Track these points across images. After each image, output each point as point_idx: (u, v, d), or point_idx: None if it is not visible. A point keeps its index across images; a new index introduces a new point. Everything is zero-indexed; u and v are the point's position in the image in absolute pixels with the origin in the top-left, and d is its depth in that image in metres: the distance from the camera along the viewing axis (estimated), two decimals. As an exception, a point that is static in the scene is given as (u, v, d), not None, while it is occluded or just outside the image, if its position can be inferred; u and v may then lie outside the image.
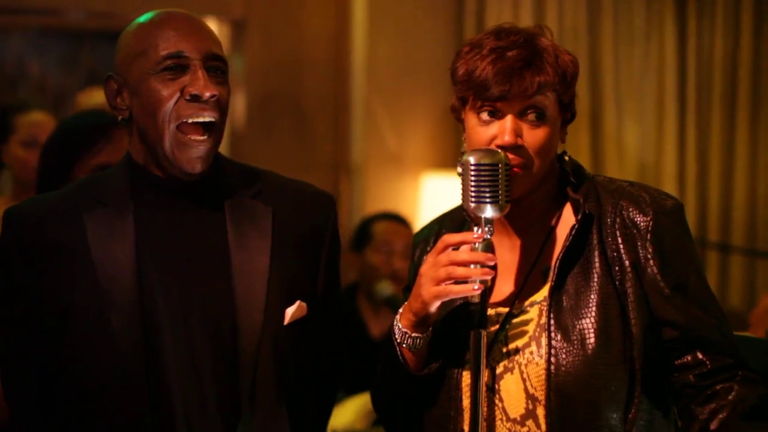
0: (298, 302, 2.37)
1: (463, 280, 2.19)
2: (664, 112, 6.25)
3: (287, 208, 2.42)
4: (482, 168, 2.20)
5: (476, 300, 2.20)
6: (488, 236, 2.21)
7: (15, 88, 6.32)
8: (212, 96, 2.30)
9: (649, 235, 2.27)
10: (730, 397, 2.22)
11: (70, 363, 2.32)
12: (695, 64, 6.27)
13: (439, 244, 2.23)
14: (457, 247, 2.23)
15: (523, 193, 2.27)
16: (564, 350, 2.22)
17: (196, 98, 2.30)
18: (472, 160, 2.21)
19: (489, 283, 2.21)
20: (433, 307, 2.23)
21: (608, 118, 6.12)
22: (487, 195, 2.20)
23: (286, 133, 5.90)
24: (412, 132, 6.03)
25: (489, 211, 2.20)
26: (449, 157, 6.03)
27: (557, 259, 2.27)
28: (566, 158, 2.37)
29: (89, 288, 2.30)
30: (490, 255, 2.20)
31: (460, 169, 2.28)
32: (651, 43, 6.24)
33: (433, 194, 5.85)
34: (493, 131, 2.25)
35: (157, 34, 2.32)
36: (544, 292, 2.28)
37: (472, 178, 2.20)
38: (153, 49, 2.31)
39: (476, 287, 2.18)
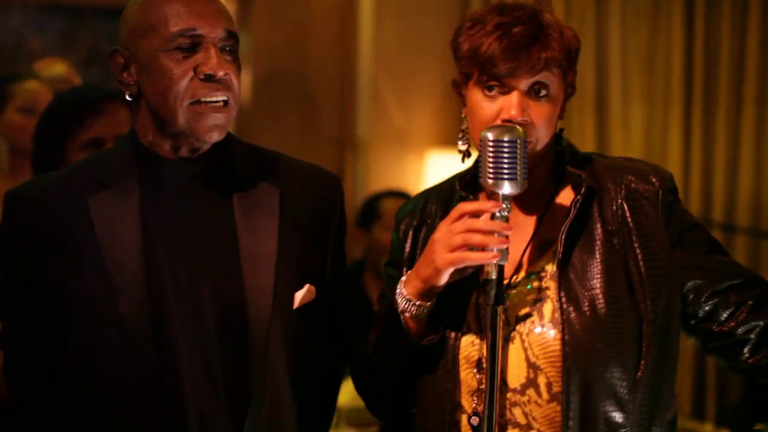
0: (307, 286, 2.36)
1: (478, 249, 2.19)
2: (671, 94, 6.23)
3: (295, 191, 2.39)
4: (501, 144, 2.19)
5: (493, 276, 2.18)
6: (506, 213, 2.20)
7: (14, 63, 6.30)
8: (226, 74, 2.27)
9: (659, 202, 2.32)
10: None
11: (77, 349, 2.29)
12: (702, 45, 6.25)
13: (454, 212, 2.23)
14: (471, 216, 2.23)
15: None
16: (577, 321, 2.24)
17: (210, 78, 2.25)
18: (490, 136, 2.20)
19: (506, 259, 2.20)
20: (446, 274, 2.22)
21: (614, 100, 6.12)
22: (506, 171, 2.19)
23: (291, 109, 5.89)
24: (418, 109, 6.02)
25: (507, 188, 2.20)
26: (454, 135, 5.93)
27: (563, 232, 2.29)
28: (564, 136, 2.40)
29: (96, 273, 2.26)
30: (506, 224, 2.19)
31: (462, 146, 2.35)
32: (659, 23, 6.22)
33: (438, 171, 5.84)
34: (498, 106, 2.27)
35: (167, 8, 2.26)
36: (542, 263, 2.31)
37: (490, 155, 2.19)
38: (163, 24, 2.25)
39: (494, 254, 2.17)
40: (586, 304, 2.24)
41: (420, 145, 5.98)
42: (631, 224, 2.30)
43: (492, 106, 2.28)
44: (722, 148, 6.28)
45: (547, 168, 2.37)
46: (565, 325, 2.24)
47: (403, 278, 2.30)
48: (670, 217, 2.33)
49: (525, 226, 2.36)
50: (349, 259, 5.31)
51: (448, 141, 5.99)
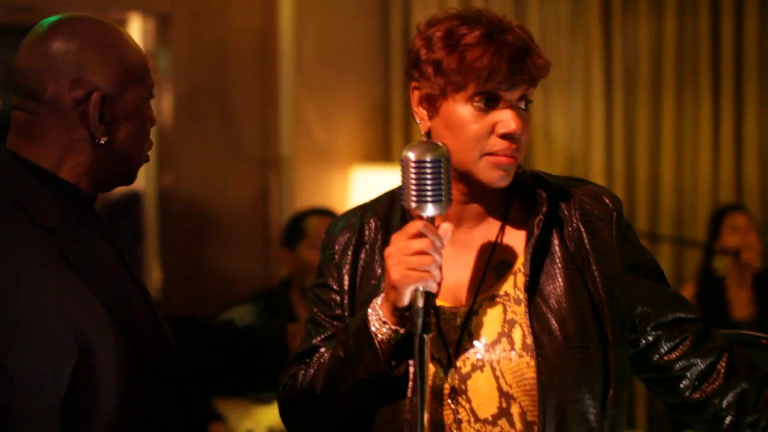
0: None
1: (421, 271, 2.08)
2: (591, 105, 6.30)
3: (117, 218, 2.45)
4: (424, 164, 2.08)
5: (420, 304, 2.08)
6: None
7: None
8: None
9: (614, 223, 2.27)
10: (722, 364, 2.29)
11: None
12: (621, 55, 6.33)
13: (412, 228, 2.09)
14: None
15: (507, 184, 2.22)
16: (550, 347, 2.16)
17: (153, 123, 2.33)
18: (412, 156, 2.08)
19: (438, 288, 2.11)
20: (405, 293, 2.09)
21: (536, 111, 6.16)
22: (429, 193, 2.08)
23: (213, 127, 5.85)
24: (341, 126, 6.01)
25: (431, 210, 2.09)
26: (378, 151, 6.03)
27: (528, 254, 2.21)
28: None
29: None
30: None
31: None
32: (577, 35, 6.28)
33: (363, 188, 5.83)
34: (492, 120, 2.17)
35: (140, 53, 2.27)
36: (503, 286, 2.23)
37: (413, 176, 2.07)
38: (145, 74, 2.26)
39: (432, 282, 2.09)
40: (557, 329, 2.17)
41: (344, 161, 5.97)
42: (588, 246, 2.24)
43: (485, 120, 2.17)
44: (643, 158, 6.37)
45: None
46: (538, 351, 2.16)
47: (378, 299, 2.16)
48: (624, 240, 2.28)
49: (479, 248, 2.27)
50: (274, 277, 5.31)
51: (371, 157, 5.98)
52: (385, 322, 2.14)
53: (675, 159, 6.37)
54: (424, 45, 2.21)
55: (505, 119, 2.17)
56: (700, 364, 2.28)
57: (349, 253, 2.32)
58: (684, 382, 2.29)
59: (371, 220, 2.33)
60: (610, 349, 2.20)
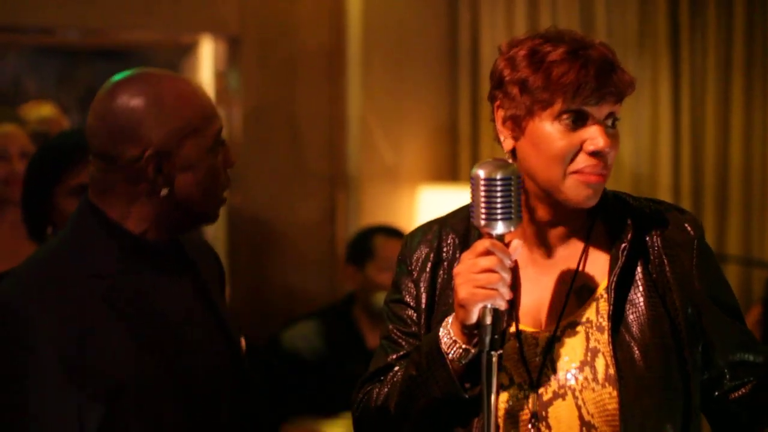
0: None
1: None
2: (659, 123, 6.26)
3: (203, 261, 2.52)
4: (495, 182, 2.07)
5: (488, 321, 2.08)
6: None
7: (11, 106, 6.34)
8: None
9: (694, 251, 2.24)
10: None
11: None
12: (689, 73, 6.29)
13: (480, 246, 2.10)
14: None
15: (595, 203, 2.20)
16: (632, 378, 2.15)
17: (229, 165, 2.41)
18: (482, 174, 2.07)
19: (506, 305, 2.10)
20: (473, 311, 2.09)
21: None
22: (499, 211, 2.07)
23: (281, 147, 5.91)
24: (408, 145, 6.03)
25: (500, 228, 2.09)
26: (445, 170, 6.04)
27: (613, 283, 2.20)
28: None
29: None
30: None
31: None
32: (645, 51, 6.25)
33: (430, 207, 5.84)
34: (580, 137, 2.15)
35: (200, 105, 2.35)
36: (585, 313, 2.22)
37: (483, 194, 2.07)
38: (206, 125, 2.34)
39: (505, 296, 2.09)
40: (639, 358, 2.15)
41: (411, 180, 5.99)
42: (668, 273, 2.22)
43: (573, 138, 2.15)
44: (711, 179, 6.32)
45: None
46: (621, 383, 2.14)
47: (450, 318, 2.16)
48: (703, 267, 2.24)
49: (564, 269, 2.26)
50: (340, 296, 5.34)
51: (438, 176, 6.00)
52: (455, 341, 2.14)
53: (743, 178, 6.32)
54: (507, 65, 2.20)
55: (594, 136, 2.15)
56: (759, 409, 2.27)
57: (428, 270, 2.31)
58: (737, 422, 2.29)
59: (449, 237, 2.32)
60: (691, 377, 2.19)
